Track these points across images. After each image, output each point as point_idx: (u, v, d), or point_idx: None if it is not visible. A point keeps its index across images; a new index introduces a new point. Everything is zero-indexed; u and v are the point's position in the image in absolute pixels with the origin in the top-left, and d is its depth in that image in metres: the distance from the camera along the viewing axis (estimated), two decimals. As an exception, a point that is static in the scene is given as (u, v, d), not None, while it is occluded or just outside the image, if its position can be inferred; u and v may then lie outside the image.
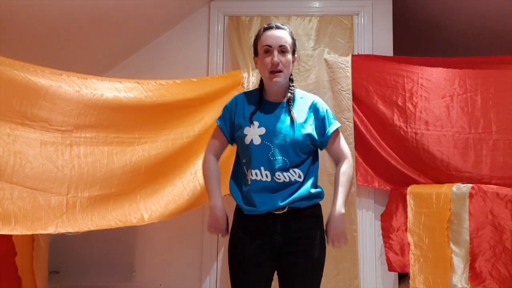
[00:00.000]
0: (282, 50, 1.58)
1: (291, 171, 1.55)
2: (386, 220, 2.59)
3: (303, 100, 1.66)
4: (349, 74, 2.68)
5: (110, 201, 1.75)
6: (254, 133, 1.57)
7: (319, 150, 1.69)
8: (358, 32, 2.83)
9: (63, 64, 1.86)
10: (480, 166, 2.40)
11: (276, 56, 1.56)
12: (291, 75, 1.66)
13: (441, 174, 2.46)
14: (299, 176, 1.57)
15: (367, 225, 2.69)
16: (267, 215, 1.55)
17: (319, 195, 1.63)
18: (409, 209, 2.44)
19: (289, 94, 1.64)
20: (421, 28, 3.42)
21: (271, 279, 1.63)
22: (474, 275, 2.11)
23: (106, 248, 2.76)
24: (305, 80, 2.72)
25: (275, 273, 1.64)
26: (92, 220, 1.65)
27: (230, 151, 1.73)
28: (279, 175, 1.54)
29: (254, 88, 1.75)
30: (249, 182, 1.57)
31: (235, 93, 1.79)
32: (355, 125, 2.65)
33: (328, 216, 1.62)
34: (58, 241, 2.58)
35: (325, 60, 2.74)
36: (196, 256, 2.77)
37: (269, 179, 1.54)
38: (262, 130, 1.57)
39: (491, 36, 3.04)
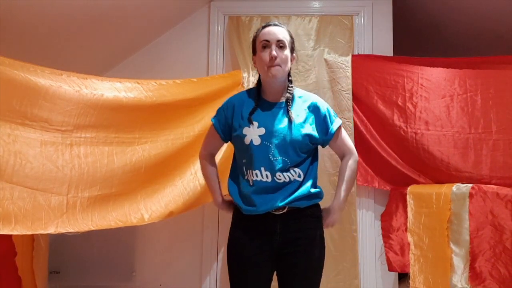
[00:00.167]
0: (280, 46, 1.58)
1: (291, 171, 1.55)
2: (386, 220, 2.59)
3: (302, 100, 1.65)
4: (349, 74, 2.68)
5: (110, 201, 1.75)
6: (253, 133, 1.56)
7: (318, 150, 1.69)
8: (358, 32, 2.83)
9: (63, 64, 1.86)
10: (480, 166, 2.40)
11: (274, 50, 1.56)
12: (290, 76, 1.66)
13: (441, 174, 2.46)
14: (299, 176, 1.57)
15: (367, 225, 2.69)
16: (267, 215, 1.55)
17: (319, 195, 1.63)
18: (409, 209, 2.44)
19: (287, 94, 1.62)
20: (421, 28, 3.42)
21: (270, 279, 1.63)
22: (474, 275, 2.11)
23: (106, 248, 2.76)
24: (305, 80, 2.72)
25: (275, 273, 1.64)
26: (92, 220, 1.65)
27: (231, 150, 1.73)
28: (279, 175, 1.54)
29: (250, 88, 1.74)
30: (251, 183, 1.57)
31: (235, 93, 1.78)
32: (355, 125, 2.65)
33: (329, 206, 1.67)
34: (58, 241, 2.58)
35: (325, 60, 2.74)
36: (196, 256, 2.77)
37: (269, 179, 1.54)
38: (262, 130, 1.56)
39: (491, 36, 3.04)
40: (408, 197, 2.46)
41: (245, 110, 1.62)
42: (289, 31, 1.65)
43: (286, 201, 1.54)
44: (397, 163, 2.58)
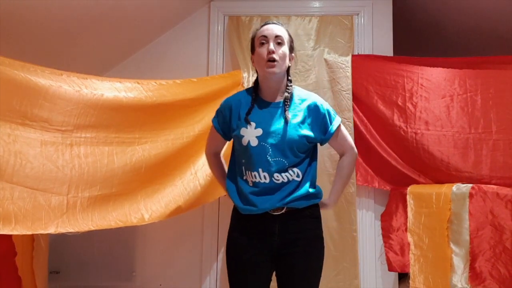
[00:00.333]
0: (278, 42, 1.57)
1: (290, 171, 1.55)
2: (386, 220, 2.59)
3: (301, 99, 1.63)
4: (349, 74, 2.68)
5: (111, 201, 1.75)
6: (251, 134, 1.56)
7: (318, 150, 1.69)
8: (358, 32, 2.83)
9: (63, 64, 1.86)
10: (480, 166, 2.40)
11: (272, 45, 1.56)
12: (289, 75, 1.65)
13: (441, 174, 2.46)
14: (298, 176, 1.56)
15: (367, 225, 2.69)
16: (265, 216, 1.55)
17: (318, 195, 1.63)
18: (409, 209, 2.44)
19: (286, 94, 1.61)
20: (421, 28, 3.42)
21: (269, 280, 1.63)
22: (474, 275, 2.12)
23: (106, 248, 2.76)
24: (305, 80, 2.72)
25: (274, 274, 1.64)
26: (93, 220, 1.65)
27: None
28: (277, 176, 1.54)
29: (248, 87, 1.73)
30: (250, 184, 1.56)
31: (235, 93, 1.78)
32: (355, 125, 2.65)
33: (325, 200, 1.71)
34: (58, 241, 2.58)
35: (325, 60, 2.74)
36: (196, 256, 2.77)
37: (267, 180, 1.54)
38: (259, 131, 1.55)
39: (491, 36, 3.04)
40: (408, 197, 2.46)
41: (242, 111, 1.62)
42: (287, 30, 1.64)
43: (285, 201, 1.53)
44: (397, 163, 2.58)
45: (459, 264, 2.16)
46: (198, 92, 2.23)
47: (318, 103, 1.63)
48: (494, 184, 2.31)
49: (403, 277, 2.63)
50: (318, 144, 1.68)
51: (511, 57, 2.50)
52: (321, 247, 1.63)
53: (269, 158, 1.53)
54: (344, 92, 2.68)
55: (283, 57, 1.57)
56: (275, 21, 1.65)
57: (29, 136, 1.51)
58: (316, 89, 2.67)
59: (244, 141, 1.56)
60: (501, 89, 2.45)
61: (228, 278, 1.64)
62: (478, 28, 3.05)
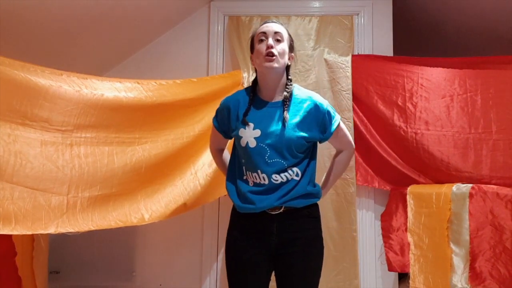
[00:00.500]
0: (277, 39, 1.57)
1: (289, 170, 1.54)
2: (386, 220, 2.59)
3: (300, 99, 1.62)
4: (349, 74, 2.68)
5: (111, 201, 1.75)
6: (249, 135, 1.55)
7: (317, 149, 1.69)
8: (358, 32, 2.83)
9: (63, 64, 1.86)
10: (480, 166, 2.40)
11: (271, 41, 1.55)
12: (289, 75, 1.64)
13: (441, 174, 2.46)
14: (297, 175, 1.55)
15: (367, 225, 2.69)
16: (264, 215, 1.54)
17: (317, 195, 1.62)
18: (409, 209, 2.44)
19: (285, 93, 1.60)
20: (421, 28, 3.42)
21: (269, 279, 1.63)
22: (474, 275, 2.12)
23: (106, 248, 2.76)
24: (305, 80, 2.72)
25: (273, 273, 1.64)
26: (93, 220, 1.65)
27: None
28: (276, 177, 1.53)
29: (246, 87, 1.72)
30: (251, 184, 1.56)
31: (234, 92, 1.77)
32: (355, 125, 2.65)
33: None
34: (58, 241, 2.58)
35: (325, 60, 2.74)
36: (196, 256, 2.77)
37: (266, 181, 1.54)
38: (257, 132, 1.55)
39: (491, 36, 3.04)
40: (408, 197, 2.46)
41: (241, 111, 1.61)
42: (287, 30, 1.64)
43: (282, 200, 1.53)
44: (397, 163, 2.58)
45: (459, 264, 2.16)
46: (198, 92, 2.23)
47: (318, 103, 1.62)
48: (494, 184, 2.31)
49: (403, 277, 2.63)
50: (318, 142, 1.68)
51: (511, 57, 2.50)
52: (321, 247, 1.63)
53: (267, 159, 1.53)
54: (344, 92, 2.68)
55: (282, 53, 1.57)
56: (274, 20, 1.65)
57: (29, 136, 1.51)
58: (316, 89, 2.66)
59: (243, 142, 1.56)
60: (501, 89, 2.45)
61: (227, 278, 1.64)
62: (478, 28, 3.05)
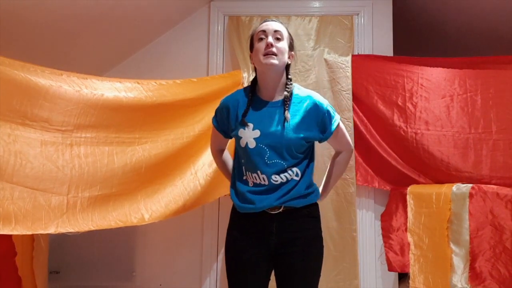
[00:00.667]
0: (277, 37, 1.56)
1: (289, 171, 1.54)
2: (386, 220, 2.59)
3: (300, 98, 1.61)
4: (349, 74, 2.68)
5: (111, 201, 1.75)
6: (248, 136, 1.54)
7: (317, 149, 1.68)
8: (358, 32, 2.83)
9: (63, 64, 1.86)
10: (480, 166, 2.40)
11: (270, 38, 1.55)
12: (289, 74, 1.63)
13: (441, 174, 2.46)
14: (297, 175, 1.55)
15: (367, 225, 2.69)
16: (263, 215, 1.54)
17: (315, 193, 1.62)
18: (409, 209, 2.44)
19: (285, 93, 1.58)
20: (421, 28, 3.42)
21: (268, 279, 1.63)
22: (474, 275, 2.12)
23: (106, 248, 2.76)
24: (305, 80, 2.72)
25: (273, 273, 1.63)
26: (93, 220, 1.65)
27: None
28: (275, 177, 1.53)
29: (246, 86, 1.71)
30: (250, 184, 1.56)
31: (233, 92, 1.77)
32: (355, 125, 2.65)
33: None
34: (58, 241, 2.58)
35: (325, 60, 2.74)
36: (196, 256, 2.77)
37: (266, 182, 1.53)
38: (257, 133, 1.54)
39: (491, 36, 3.04)
40: (408, 197, 2.46)
41: (240, 111, 1.60)
42: (287, 29, 1.64)
43: (282, 200, 1.52)
44: (397, 163, 2.58)
45: (459, 264, 2.16)
46: (198, 92, 2.24)
47: (318, 102, 1.60)
48: (494, 184, 2.31)
49: (403, 277, 2.63)
50: (316, 143, 1.67)
51: (511, 57, 2.50)
52: (320, 246, 1.62)
53: (267, 160, 1.53)
54: (344, 92, 2.68)
55: (281, 51, 1.56)
56: (274, 19, 1.65)
57: (29, 136, 1.51)
58: (316, 89, 2.66)
59: (242, 143, 1.55)
60: (501, 89, 2.45)
61: (227, 277, 1.63)
62: (478, 28, 3.05)
